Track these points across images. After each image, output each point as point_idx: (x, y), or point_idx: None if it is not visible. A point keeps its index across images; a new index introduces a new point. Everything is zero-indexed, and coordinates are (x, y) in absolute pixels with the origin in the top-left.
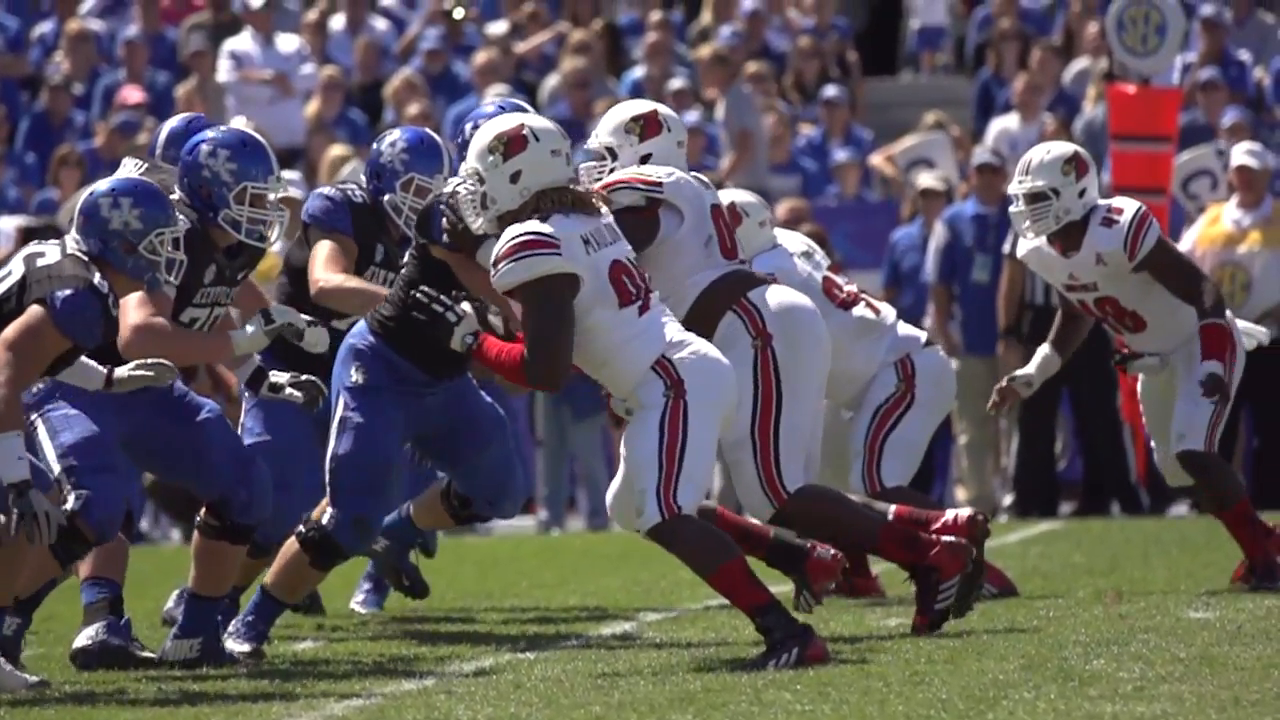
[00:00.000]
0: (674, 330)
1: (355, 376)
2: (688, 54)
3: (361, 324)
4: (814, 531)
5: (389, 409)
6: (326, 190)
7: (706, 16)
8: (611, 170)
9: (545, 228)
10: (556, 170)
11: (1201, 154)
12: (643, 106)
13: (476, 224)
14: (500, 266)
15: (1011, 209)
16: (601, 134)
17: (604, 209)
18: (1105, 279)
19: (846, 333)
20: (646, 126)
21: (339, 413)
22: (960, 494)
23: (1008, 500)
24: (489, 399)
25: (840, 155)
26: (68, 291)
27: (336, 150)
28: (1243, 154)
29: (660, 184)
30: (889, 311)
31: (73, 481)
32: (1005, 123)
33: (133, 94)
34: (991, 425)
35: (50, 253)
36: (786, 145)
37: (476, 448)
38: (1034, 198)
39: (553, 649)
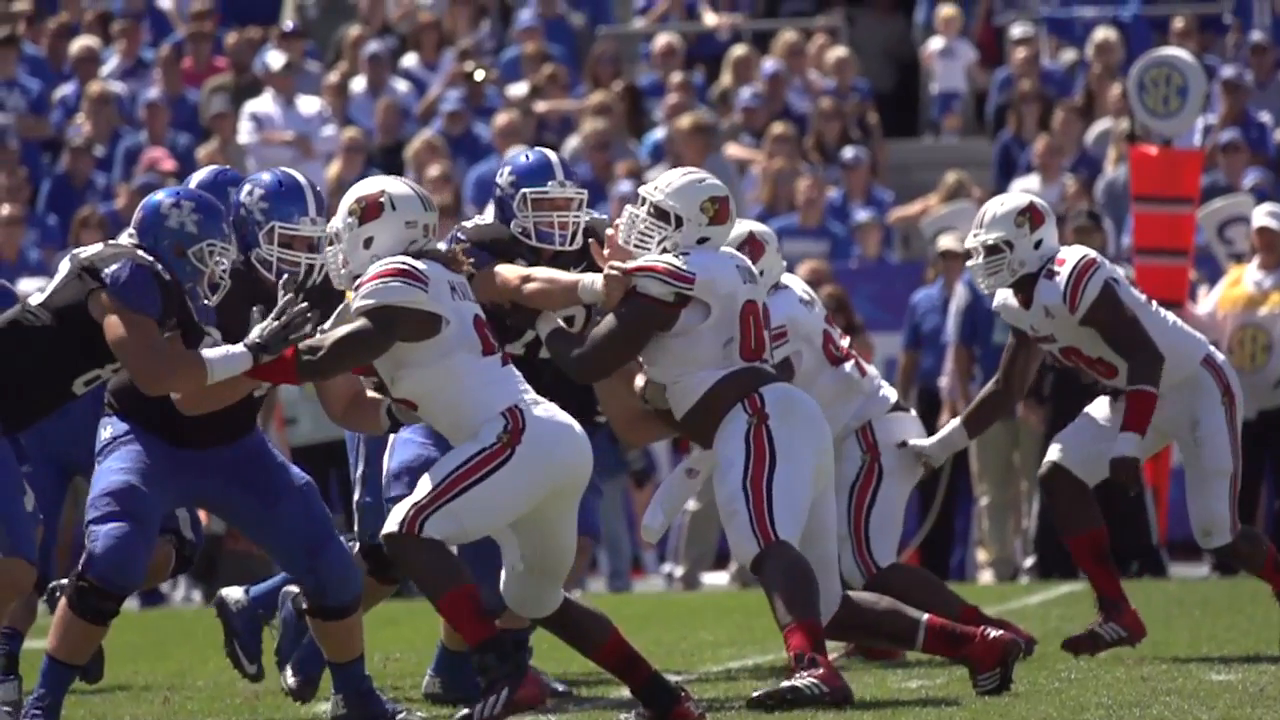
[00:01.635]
0: (531, 391)
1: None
2: (709, 115)
3: None
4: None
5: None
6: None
7: (727, 78)
8: (665, 238)
9: (420, 264)
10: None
11: (1239, 201)
12: (722, 189)
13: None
14: (367, 287)
15: (969, 263)
16: (673, 198)
17: (464, 271)
18: (1059, 330)
19: (829, 390)
20: (719, 211)
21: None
22: (981, 556)
23: (1029, 562)
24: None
25: (861, 215)
26: (115, 265)
27: None
28: (1264, 215)
29: (692, 281)
30: (874, 375)
31: (88, 530)
32: (1026, 184)
33: (165, 161)
34: (1013, 487)
35: (92, 247)
36: (820, 208)
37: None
38: (989, 250)
39: (575, 710)
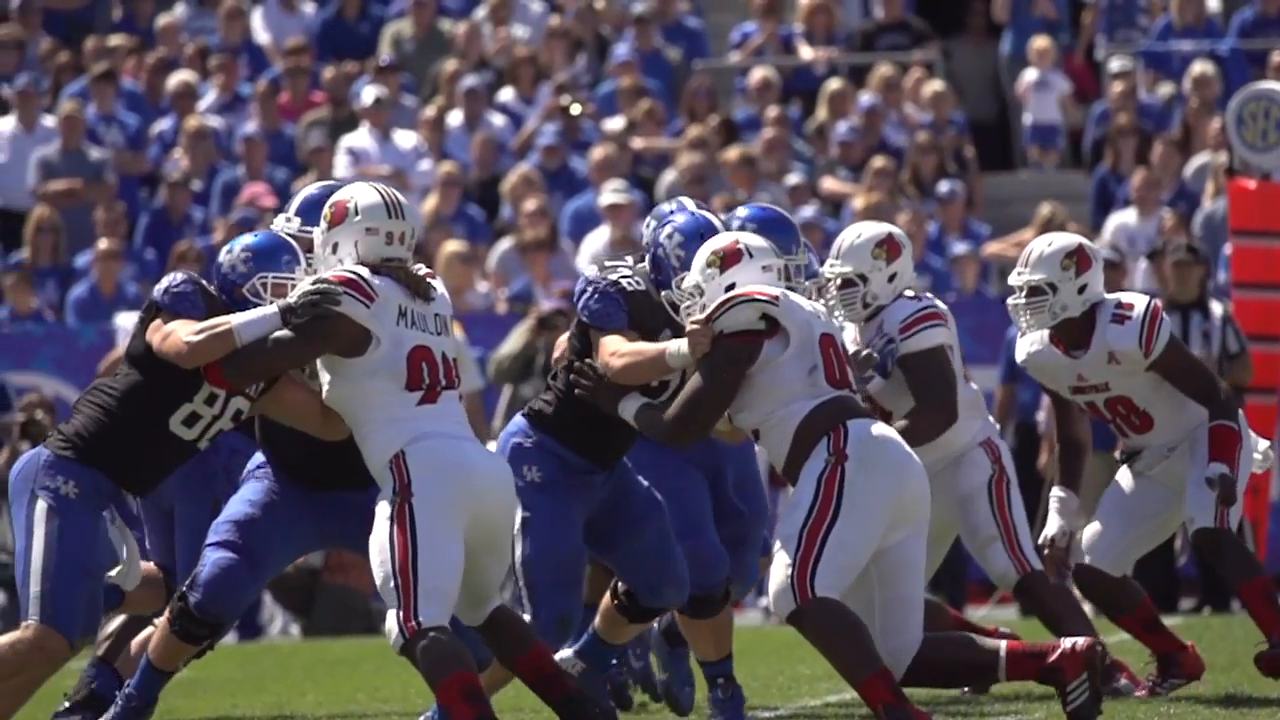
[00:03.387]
0: (438, 426)
1: (529, 475)
2: (806, 149)
3: (522, 421)
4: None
5: (566, 502)
6: None
7: (823, 112)
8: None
9: (372, 279)
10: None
11: None
12: (723, 240)
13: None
14: (312, 287)
15: (1009, 301)
16: (693, 273)
17: (437, 298)
18: (1118, 378)
19: (963, 403)
20: (726, 258)
21: (519, 514)
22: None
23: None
24: (644, 482)
25: (958, 249)
26: (166, 282)
27: (453, 246)
28: None
29: (777, 298)
30: (977, 390)
31: (204, 551)
32: (1123, 218)
33: (265, 197)
34: None
35: None
36: (917, 242)
37: (632, 535)
38: (1032, 291)
39: None
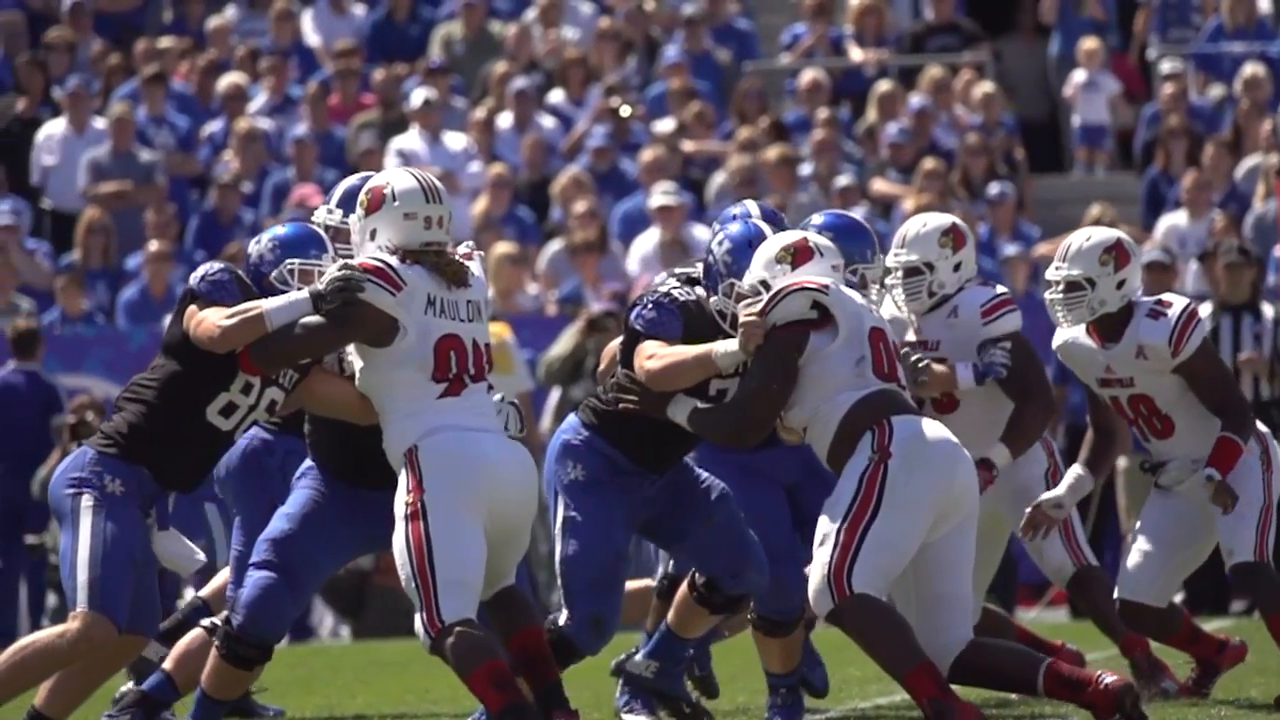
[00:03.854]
0: (457, 419)
1: (573, 474)
2: (856, 151)
3: (575, 419)
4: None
5: (611, 503)
6: None
7: (873, 114)
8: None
9: (401, 267)
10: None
11: None
12: (792, 236)
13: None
14: (340, 273)
15: (1047, 295)
16: (755, 269)
17: (473, 281)
18: (1143, 375)
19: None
20: (798, 254)
21: (560, 513)
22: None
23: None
24: (704, 473)
25: (1009, 251)
26: (203, 270)
27: (503, 248)
28: None
29: (827, 287)
30: None
31: (247, 572)
32: (1174, 219)
33: (315, 198)
34: None
35: None
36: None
37: (700, 520)
38: (1070, 286)
39: None
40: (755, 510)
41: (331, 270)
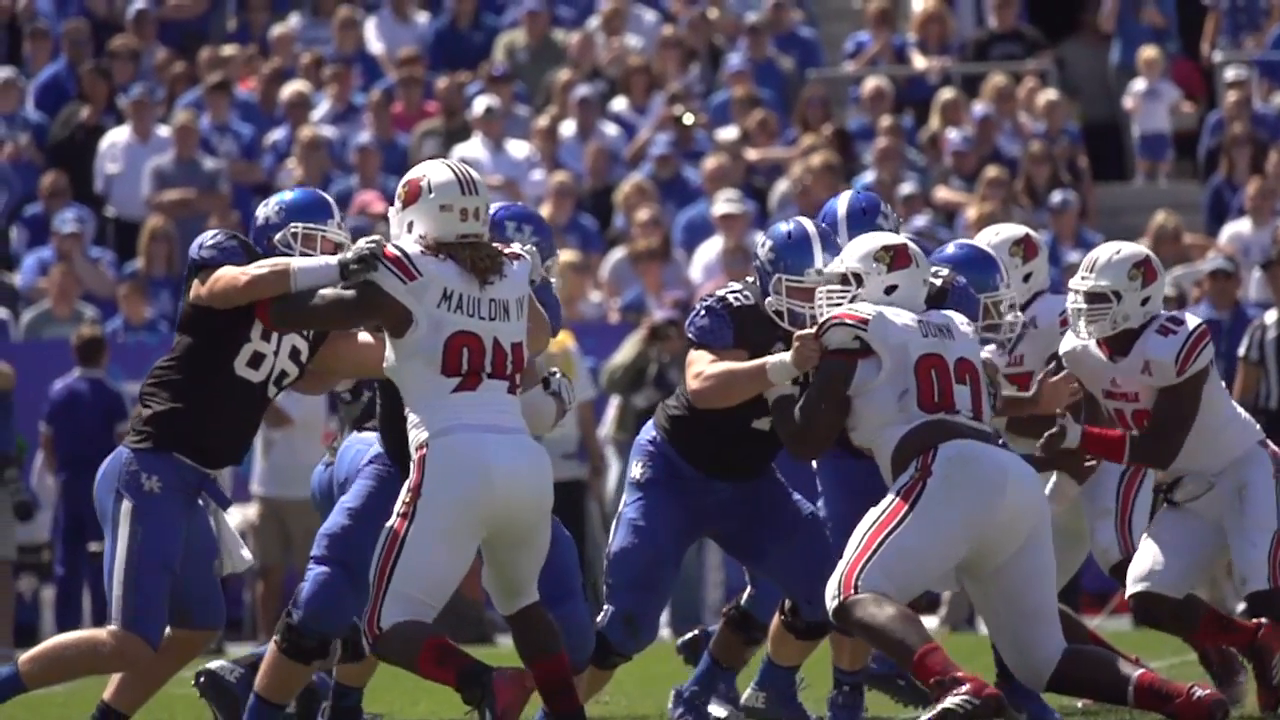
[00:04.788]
0: (471, 417)
1: (637, 473)
2: (919, 159)
3: (651, 422)
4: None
5: (665, 507)
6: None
7: (936, 122)
8: (854, 299)
9: (422, 261)
10: None
11: None
12: (893, 238)
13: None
14: (365, 246)
15: (1069, 304)
16: (849, 259)
17: (503, 280)
18: (1147, 392)
19: None
20: (897, 258)
21: (620, 508)
22: None
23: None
24: (798, 496)
25: (1072, 259)
26: (205, 237)
27: (566, 255)
28: None
29: (867, 321)
30: None
31: (307, 567)
32: (1238, 227)
33: (376, 204)
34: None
35: None
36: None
37: (779, 539)
38: (1094, 298)
39: None
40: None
41: (361, 243)
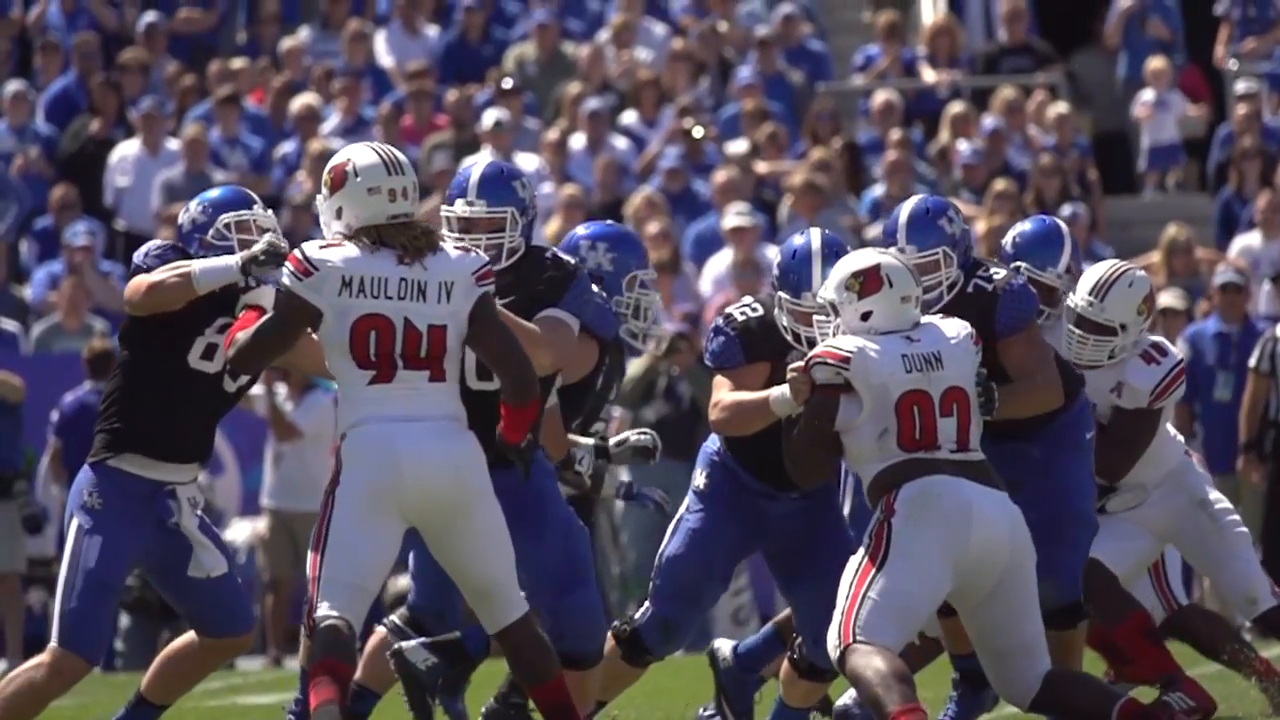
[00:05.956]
0: (385, 409)
1: (701, 481)
2: (929, 172)
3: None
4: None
5: (721, 519)
6: None
7: (946, 135)
8: (835, 329)
9: (319, 254)
10: None
11: None
12: (866, 261)
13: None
14: (274, 240)
15: (1068, 326)
16: (826, 288)
17: (433, 261)
18: (1108, 407)
19: None
20: (865, 284)
21: (680, 511)
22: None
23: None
24: (845, 531)
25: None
26: (146, 246)
27: None
28: None
29: (849, 360)
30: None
31: None
32: (1248, 240)
33: None
34: None
35: None
36: None
37: (813, 573)
38: (1101, 329)
39: None
40: None
41: (260, 243)
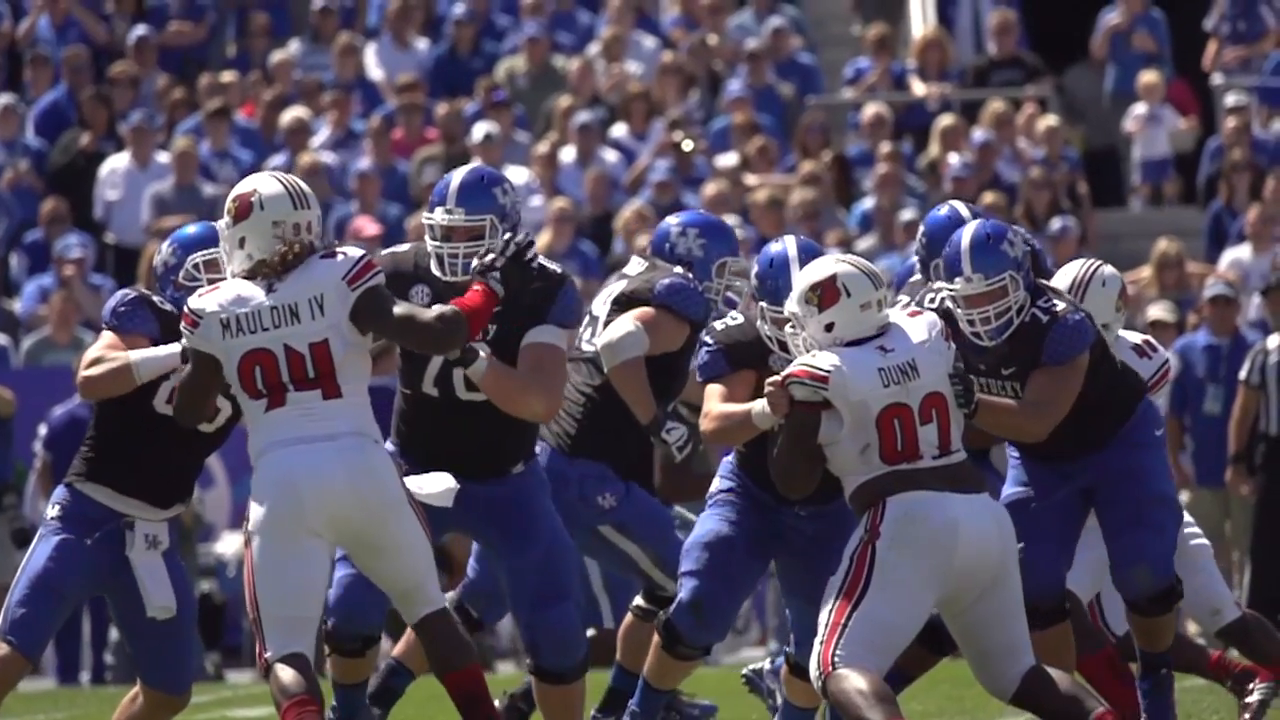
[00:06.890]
0: (283, 433)
1: (716, 485)
2: (919, 185)
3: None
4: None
5: (748, 515)
6: None
7: (935, 148)
8: (803, 341)
9: (199, 303)
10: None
11: None
12: (822, 272)
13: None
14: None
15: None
16: (789, 302)
17: (294, 279)
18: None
19: None
20: (824, 297)
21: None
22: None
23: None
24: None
25: None
26: (113, 302)
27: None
28: None
29: (827, 379)
30: None
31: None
32: (1238, 253)
33: (368, 226)
34: (1223, 558)
35: None
36: None
37: (811, 590)
38: None
39: None
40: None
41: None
